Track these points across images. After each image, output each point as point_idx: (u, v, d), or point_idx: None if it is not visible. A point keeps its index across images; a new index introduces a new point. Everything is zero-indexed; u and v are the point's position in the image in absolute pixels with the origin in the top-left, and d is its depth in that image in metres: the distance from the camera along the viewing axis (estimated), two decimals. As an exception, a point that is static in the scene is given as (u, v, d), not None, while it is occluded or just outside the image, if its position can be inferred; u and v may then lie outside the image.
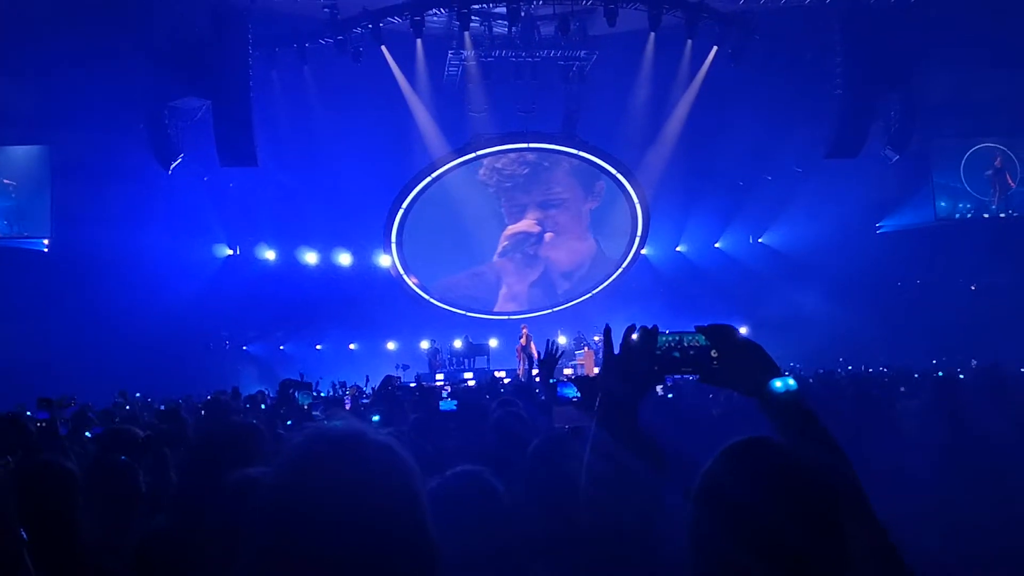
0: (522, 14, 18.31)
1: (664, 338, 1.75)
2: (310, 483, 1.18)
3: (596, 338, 19.64)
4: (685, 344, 1.73)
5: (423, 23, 18.31)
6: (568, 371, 18.01)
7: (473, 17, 18.56)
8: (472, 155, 22.67)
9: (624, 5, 17.85)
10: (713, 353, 1.70)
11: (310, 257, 22.75)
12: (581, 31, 19.88)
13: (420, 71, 20.24)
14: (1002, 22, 17.61)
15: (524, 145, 22.82)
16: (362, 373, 17.73)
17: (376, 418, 5.96)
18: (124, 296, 17.61)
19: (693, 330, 1.74)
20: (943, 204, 22.51)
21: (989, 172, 22.67)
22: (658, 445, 1.79)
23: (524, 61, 20.31)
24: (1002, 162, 22.63)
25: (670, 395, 6.34)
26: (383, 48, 19.04)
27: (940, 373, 9.72)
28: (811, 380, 8.96)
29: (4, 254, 19.09)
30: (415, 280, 23.91)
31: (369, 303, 22.24)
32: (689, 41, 19.41)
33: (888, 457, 3.22)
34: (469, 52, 19.81)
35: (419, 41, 19.14)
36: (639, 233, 24.01)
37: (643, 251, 24.40)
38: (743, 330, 1.73)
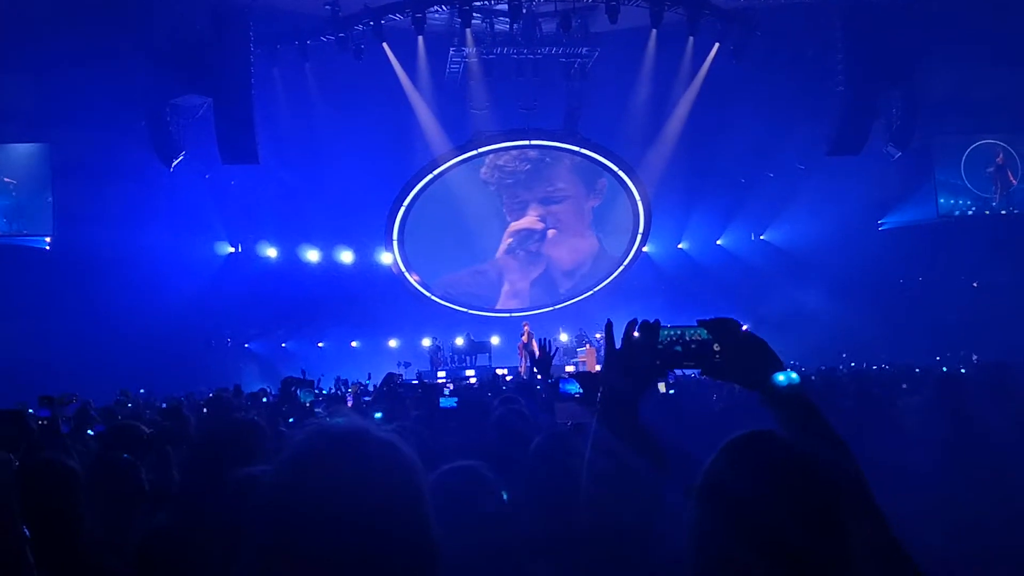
0: (524, 11, 18.29)
1: (666, 332, 1.74)
2: (312, 480, 1.17)
3: (598, 335, 19.64)
4: (687, 338, 1.72)
5: (424, 20, 18.32)
6: (570, 368, 18.00)
7: (475, 14, 18.55)
8: (474, 152, 22.64)
9: (626, 2, 17.83)
10: (715, 347, 1.69)
11: (312, 255, 22.73)
12: (583, 28, 19.85)
13: (421, 68, 20.23)
14: (1003, 19, 17.60)
15: (526, 142, 22.77)
16: (364, 371, 17.71)
17: (379, 415, 5.94)
18: (126, 294, 17.58)
19: (695, 324, 1.73)
20: (945, 201, 22.48)
21: (991, 169, 22.64)
22: (659, 442, 1.79)
23: (526, 58, 20.29)
24: (1004, 159, 22.59)
25: (671, 391, 6.33)
26: (384, 45, 19.02)
27: (944, 369, 9.71)
28: (813, 377, 8.92)
29: (5, 252, 19.08)
30: (417, 277, 23.89)
31: (371, 300, 22.23)
32: (691, 38, 19.40)
33: (890, 454, 3.20)
34: (471, 49, 19.79)
35: (420, 38, 19.13)
36: (641, 230, 23.98)
37: (645, 248, 24.38)
38: (745, 327, 1.72)
